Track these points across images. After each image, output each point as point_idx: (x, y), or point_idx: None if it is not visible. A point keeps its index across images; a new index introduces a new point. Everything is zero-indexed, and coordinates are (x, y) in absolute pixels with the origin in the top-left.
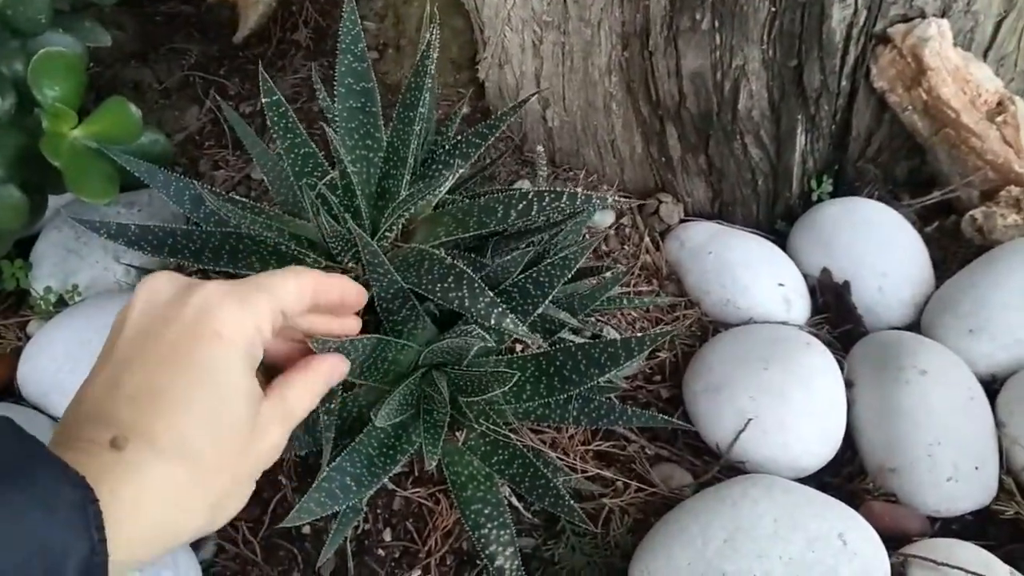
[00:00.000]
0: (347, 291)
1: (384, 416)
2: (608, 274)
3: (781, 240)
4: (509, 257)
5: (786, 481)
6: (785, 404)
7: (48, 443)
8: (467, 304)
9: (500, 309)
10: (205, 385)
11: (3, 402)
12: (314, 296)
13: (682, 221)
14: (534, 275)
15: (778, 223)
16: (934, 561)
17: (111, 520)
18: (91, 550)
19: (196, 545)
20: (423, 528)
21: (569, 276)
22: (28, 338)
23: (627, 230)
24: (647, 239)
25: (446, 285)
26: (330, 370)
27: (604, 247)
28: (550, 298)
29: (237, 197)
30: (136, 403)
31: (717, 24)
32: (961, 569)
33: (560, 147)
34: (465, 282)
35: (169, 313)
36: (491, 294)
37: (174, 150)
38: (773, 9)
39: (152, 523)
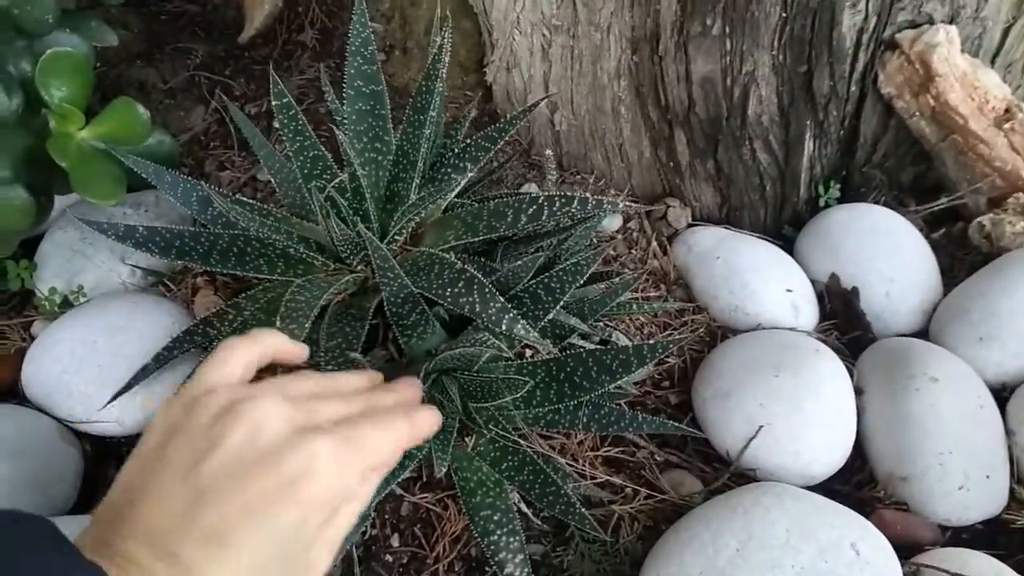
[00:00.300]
0: (434, 429)
1: None
2: (618, 279)
3: (788, 245)
4: (520, 262)
5: (797, 489)
6: (796, 411)
7: (87, 531)
8: (478, 310)
9: (511, 315)
10: (281, 557)
11: (7, 403)
12: (406, 448)
13: (690, 226)
14: (545, 280)
15: (785, 228)
16: (946, 571)
17: None
18: None
19: None
20: (431, 534)
21: (581, 282)
22: (33, 339)
23: (635, 234)
24: (655, 244)
25: (456, 290)
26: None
27: (612, 252)
28: (561, 304)
29: (244, 199)
30: (208, 546)
31: (728, 29)
32: None
33: (568, 151)
34: (476, 287)
35: (272, 460)
36: (502, 300)
37: (180, 150)
38: (784, 15)
39: None
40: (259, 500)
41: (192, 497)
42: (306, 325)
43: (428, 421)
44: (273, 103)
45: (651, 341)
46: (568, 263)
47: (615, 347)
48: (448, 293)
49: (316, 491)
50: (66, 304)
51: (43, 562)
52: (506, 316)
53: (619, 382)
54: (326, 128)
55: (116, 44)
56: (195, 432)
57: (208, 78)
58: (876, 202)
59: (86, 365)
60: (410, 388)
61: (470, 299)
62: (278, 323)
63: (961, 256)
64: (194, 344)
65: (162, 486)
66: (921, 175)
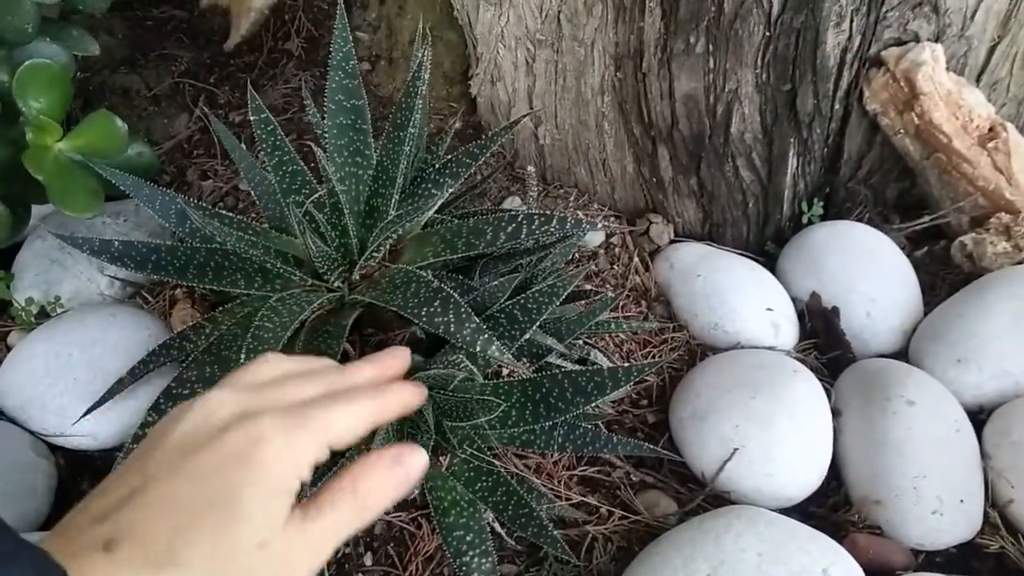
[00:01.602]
0: (408, 404)
1: (375, 446)
2: (597, 300)
3: (771, 262)
4: (497, 282)
5: (770, 514)
6: (771, 433)
7: (52, 530)
8: (452, 330)
9: (485, 336)
10: (226, 505)
11: None
12: (372, 426)
13: (672, 242)
14: (522, 301)
15: (768, 245)
16: None
17: None
18: None
19: None
20: (404, 553)
21: (557, 304)
22: (8, 349)
23: (616, 250)
24: (636, 259)
25: (432, 309)
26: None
27: (594, 267)
28: (537, 324)
29: (223, 212)
30: (148, 509)
31: (711, 48)
32: None
33: (551, 164)
34: (451, 307)
35: (218, 436)
36: (477, 320)
37: (162, 158)
38: (768, 34)
39: None
40: (209, 469)
41: (143, 482)
42: (277, 350)
43: (399, 396)
44: (251, 118)
45: (630, 360)
46: (545, 284)
47: (591, 369)
48: (424, 312)
49: (263, 455)
50: (43, 314)
51: None
52: (480, 337)
53: (594, 403)
54: (310, 137)
55: (97, 53)
56: (157, 429)
57: (193, 85)
58: (860, 218)
59: (61, 378)
60: (394, 359)
61: (445, 319)
62: (243, 355)
63: (943, 275)
64: (170, 358)
65: (121, 475)
66: (905, 191)
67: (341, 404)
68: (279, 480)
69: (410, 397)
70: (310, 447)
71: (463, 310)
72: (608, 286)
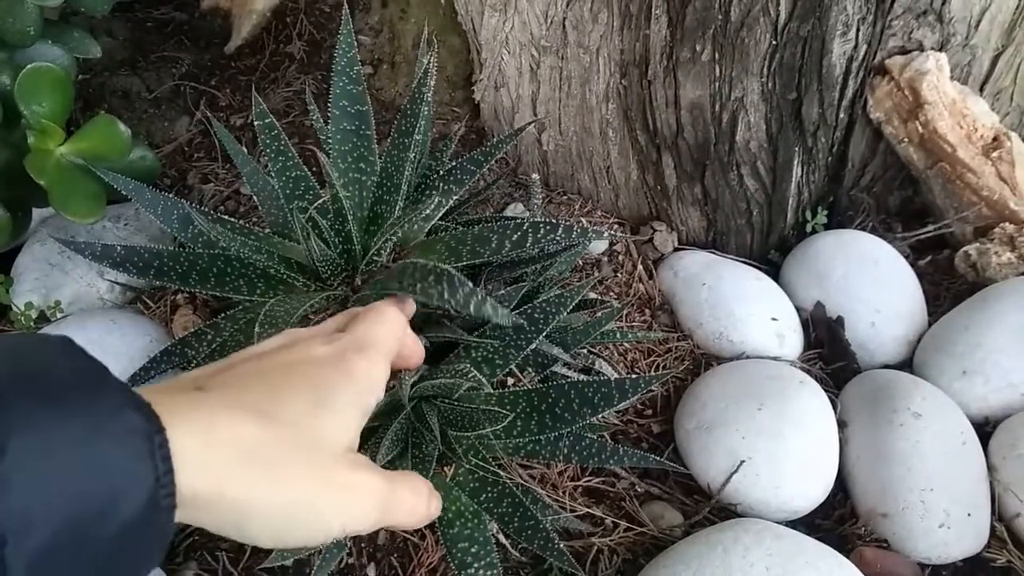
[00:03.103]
0: (417, 351)
1: (380, 456)
2: (603, 311)
3: (775, 271)
4: (504, 291)
5: (778, 527)
6: (778, 445)
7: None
8: (446, 296)
9: (478, 297)
10: (320, 391)
11: None
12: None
13: (676, 250)
14: (529, 311)
15: (772, 253)
16: None
17: (178, 450)
18: (156, 480)
19: (174, 573)
20: (408, 564)
21: (564, 314)
22: None
23: (620, 258)
24: (640, 267)
25: (426, 284)
26: None
27: (597, 274)
28: (543, 335)
29: (225, 217)
30: (246, 375)
31: (717, 56)
32: None
33: (555, 171)
34: (444, 278)
35: (309, 346)
36: (470, 284)
37: (162, 161)
38: (774, 42)
39: (220, 465)
40: (301, 370)
41: (232, 365)
42: None
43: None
44: (255, 123)
45: (634, 369)
46: (552, 294)
47: (597, 380)
48: (418, 288)
49: (353, 372)
50: (43, 319)
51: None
52: (473, 299)
53: (600, 415)
54: (312, 141)
55: (99, 56)
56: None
57: (194, 88)
58: (863, 227)
59: None
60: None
61: (439, 288)
62: (256, 328)
63: (947, 285)
64: (171, 364)
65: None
66: (909, 200)
67: (385, 322)
68: (364, 392)
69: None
70: (383, 368)
71: (456, 278)
72: (612, 294)
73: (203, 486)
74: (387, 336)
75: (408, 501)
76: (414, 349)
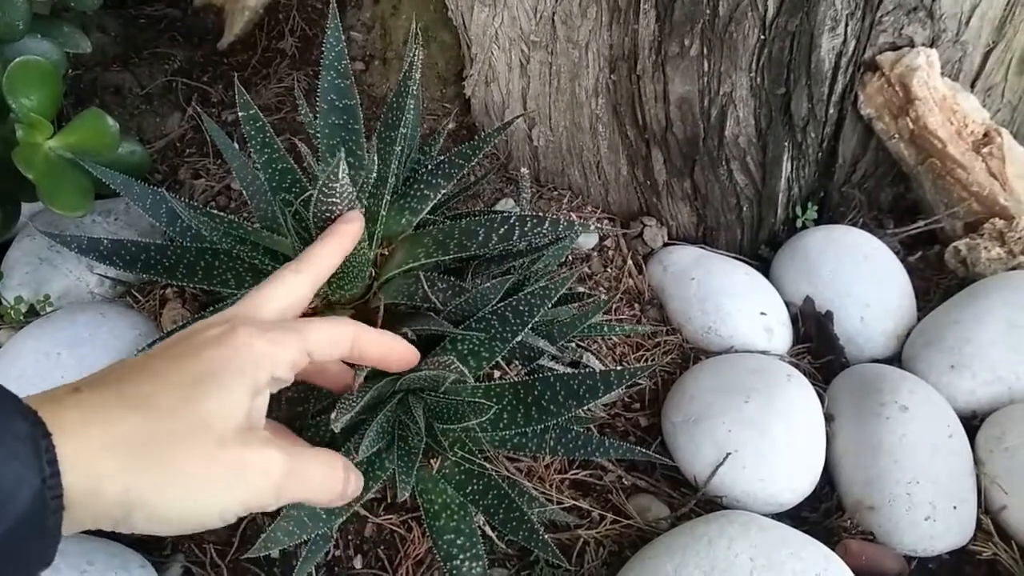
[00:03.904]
0: (392, 351)
1: (364, 449)
2: (591, 303)
3: (764, 266)
4: (489, 284)
5: (763, 519)
6: (765, 438)
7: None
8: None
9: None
10: (201, 374)
11: None
12: (353, 349)
13: (666, 245)
14: (514, 303)
15: (762, 249)
16: None
17: (62, 454)
18: (42, 482)
19: (161, 566)
20: (395, 556)
21: (549, 306)
22: None
23: (610, 252)
24: (630, 262)
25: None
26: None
27: (587, 269)
28: (528, 327)
29: (214, 211)
30: (123, 371)
31: (706, 51)
32: None
33: (545, 166)
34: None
35: (204, 334)
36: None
37: (154, 156)
38: (762, 37)
39: (97, 462)
40: (188, 349)
41: (123, 365)
42: None
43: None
44: (240, 114)
45: (623, 363)
46: (537, 286)
47: (583, 372)
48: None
49: (241, 343)
50: (32, 313)
51: None
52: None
53: (587, 406)
54: (303, 136)
55: (89, 51)
56: None
57: (186, 84)
58: (854, 223)
59: (50, 377)
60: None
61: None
62: None
63: (937, 280)
64: None
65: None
66: (899, 196)
67: (327, 321)
68: (249, 366)
69: (399, 346)
70: (291, 346)
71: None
72: (601, 289)
73: (84, 485)
74: (278, 304)
75: (318, 477)
76: (389, 345)
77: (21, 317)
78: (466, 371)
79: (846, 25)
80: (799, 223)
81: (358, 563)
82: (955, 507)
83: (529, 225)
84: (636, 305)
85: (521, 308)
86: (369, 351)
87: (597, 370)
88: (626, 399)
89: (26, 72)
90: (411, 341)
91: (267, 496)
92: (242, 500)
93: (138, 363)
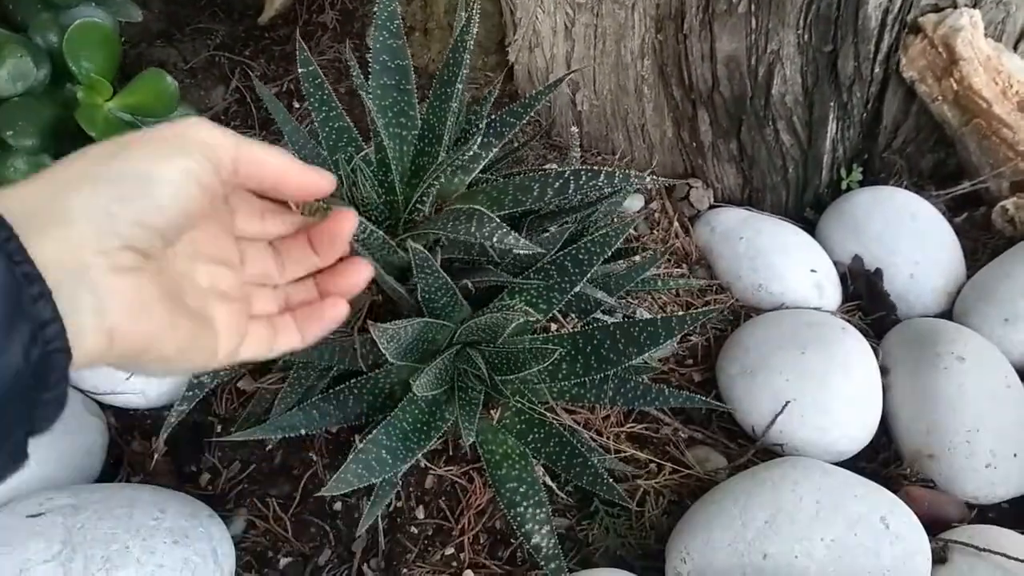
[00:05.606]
0: (289, 168)
1: (422, 385)
2: (645, 255)
3: (810, 228)
4: (547, 234)
5: (826, 464)
6: (823, 388)
7: None
8: (473, 230)
9: (503, 230)
10: (144, 147)
11: None
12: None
13: (712, 207)
14: (572, 252)
15: (807, 211)
16: (975, 547)
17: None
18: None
19: (227, 518)
20: (456, 506)
21: (608, 254)
22: None
23: (656, 215)
24: (676, 224)
25: (457, 222)
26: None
27: (634, 232)
28: (588, 276)
29: None
30: (40, 178)
31: (753, 7)
32: (1004, 555)
33: (588, 131)
34: (475, 217)
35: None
36: (496, 219)
37: None
38: None
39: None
40: (110, 149)
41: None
42: None
43: None
44: (300, 70)
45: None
46: (596, 234)
47: (642, 319)
48: (450, 227)
49: (175, 133)
50: None
51: None
52: (498, 232)
53: (645, 355)
54: (346, 107)
55: (139, 20)
56: None
57: (228, 58)
58: (896, 187)
59: None
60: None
61: (468, 225)
62: None
63: (984, 240)
64: None
65: None
66: (940, 162)
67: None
68: (205, 140)
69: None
70: (229, 138)
71: (485, 216)
72: (650, 249)
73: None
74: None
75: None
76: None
77: None
78: (530, 310)
79: None
80: (844, 185)
81: (420, 513)
82: (1015, 455)
83: (584, 178)
84: (684, 265)
85: (580, 257)
86: (257, 166)
87: (656, 317)
88: (679, 354)
89: (86, 34)
90: (469, 292)
91: (224, 157)
92: (196, 173)
93: (61, 168)
